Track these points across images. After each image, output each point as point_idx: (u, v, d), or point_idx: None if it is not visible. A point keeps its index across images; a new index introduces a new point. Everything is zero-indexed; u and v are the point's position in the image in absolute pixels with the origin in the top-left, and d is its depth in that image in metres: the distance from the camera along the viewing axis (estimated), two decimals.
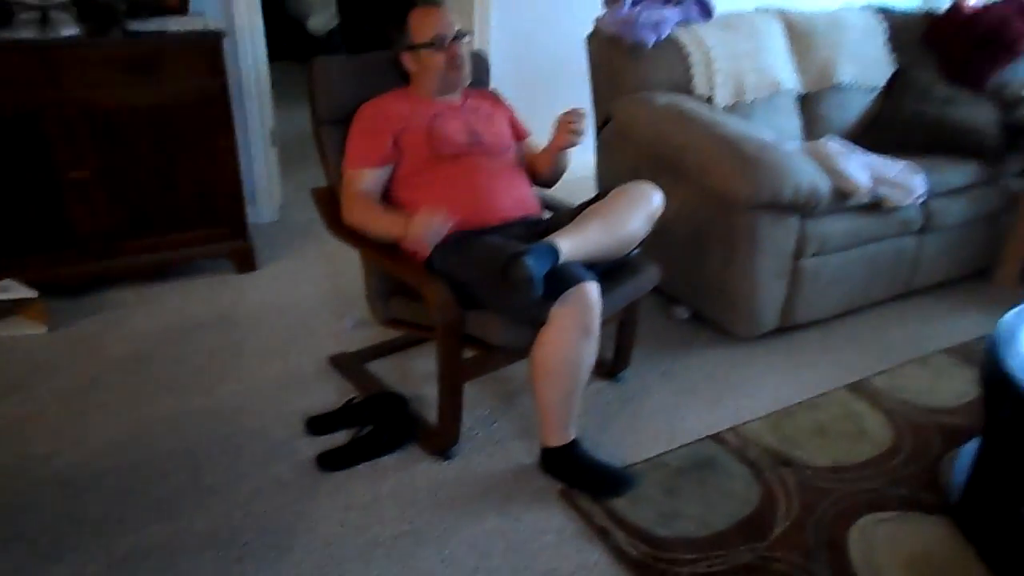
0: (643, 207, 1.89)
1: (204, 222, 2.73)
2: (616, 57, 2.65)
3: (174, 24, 2.52)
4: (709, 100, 2.70)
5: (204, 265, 2.84)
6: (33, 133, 2.37)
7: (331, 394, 2.19)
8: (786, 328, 2.55)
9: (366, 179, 1.99)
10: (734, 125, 2.38)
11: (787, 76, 2.88)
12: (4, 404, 2.09)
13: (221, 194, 2.71)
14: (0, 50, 2.26)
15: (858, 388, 2.32)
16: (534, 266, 1.61)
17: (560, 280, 1.69)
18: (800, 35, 2.96)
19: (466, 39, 2.08)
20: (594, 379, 2.28)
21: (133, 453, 1.93)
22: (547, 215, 2.14)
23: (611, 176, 2.77)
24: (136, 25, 2.46)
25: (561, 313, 1.69)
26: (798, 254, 2.39)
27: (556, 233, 1.78)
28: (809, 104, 2.96)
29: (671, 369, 2.40)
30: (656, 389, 2.29)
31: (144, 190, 2.59)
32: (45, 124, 2.37)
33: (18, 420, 2.03)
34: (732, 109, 2.74)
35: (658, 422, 2.15)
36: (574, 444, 1.87)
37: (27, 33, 2.31)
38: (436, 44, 2.03)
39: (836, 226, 2.44)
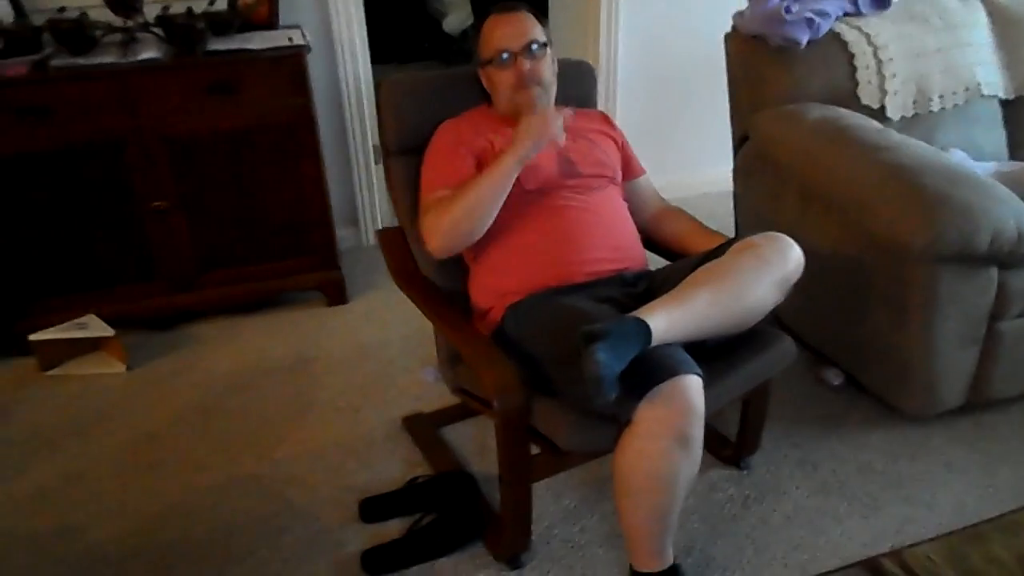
0: (774, 270, 1.43)
1: (291, 252, 2.53)
2: (759, 61, 2.16)
3: (258, 40, 2.32)
4: (880, 112, 2.14)
5: (294, 297, 2.65)
6: (114, 162, 2.25)
7: (396, 466, 1.90)
8: (976, 406, 1.96)
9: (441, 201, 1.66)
10: (910, 148, 1.83)
11: (989, 76, 2.25)
12: (60, 454, 1.98)
13: (308, 222, 2.50)
14: (80, 77, 2.15)
15: None
16: (606, 361, 1.20)
17: (650, 370, 1.28)
18: (1010, 21, 2.31)
19: (539, 50, 1.70)
20: (710, 466, 1.84)
21: (170, 530, 1.73)
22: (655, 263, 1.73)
23: (748, 208, 2.29)
24: (219, 43, 2.29)
25: (649, 416, 1.27)
26: (996, 315, 1.81)
27: (653, 304, 1.36)
28: (1019, 112, 2.31)
29: (814, 456, 1.90)
30: (792, 484, 1.81)
31: (226, 219, 2.43)
32: (126, 153, 2.25)
33: (68, 478, 1.90)
34: (910, 123, 2.17)
35: (792, 534, 1.67)
36: (673, 571, 1.45)
37: (107, 57, 2.19)
38: (497, 61, 1.68)
39: None
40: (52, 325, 2.33)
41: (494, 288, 1.63)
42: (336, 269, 2.60)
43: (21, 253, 2.31)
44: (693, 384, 1.28)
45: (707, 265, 1.44)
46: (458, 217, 1.55)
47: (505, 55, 1.69)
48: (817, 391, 2.13)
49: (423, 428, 2.01)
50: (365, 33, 2.79)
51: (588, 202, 1.64)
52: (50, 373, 2.29)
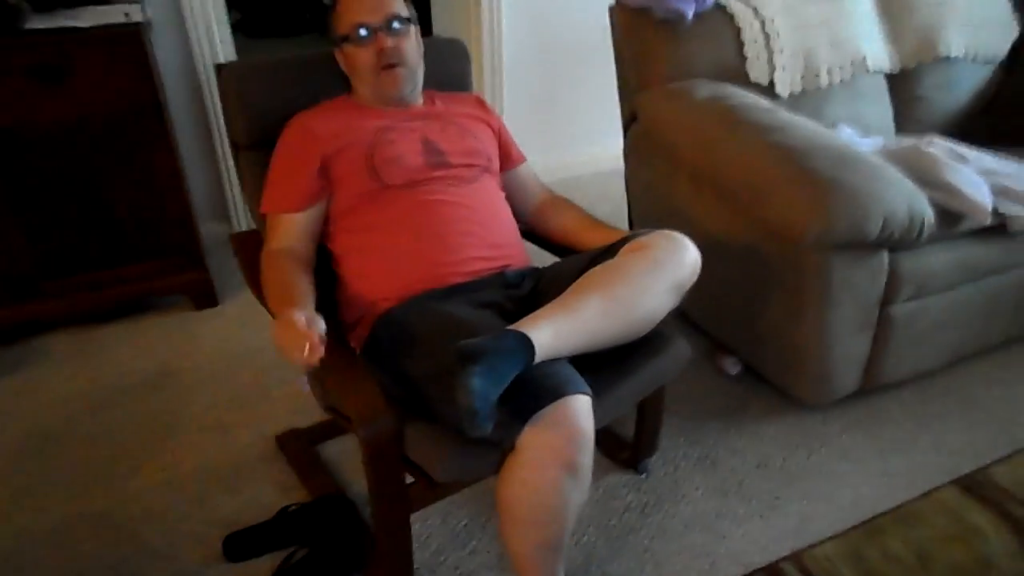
0: (668, 275, 1.31)
1: (148, 253, 2.27)
2: (645, 35, 2.03)
3: (88, 16, 2.03)
4: (769, 88, 2.07)
5: (156, 302, 2.40)
6: None
7: (268, 493, 1.71)
8: (869, 390, 1.94)
9: (285, 228, 1.48)
10: (799, 128, 1.76)
11: (875, 50, 2.21)
12: None
13: (166, 218, 2.24)
14: None
15: (973, 486, 1.71)
16: (482, 389, 1.06)
17: (533, 391, 1.15)
18: None
19: (402, 26, 1.52)
20: (606, 471, 1.74)
21: None
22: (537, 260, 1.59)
23: (640, 191, 2.19)
24: (41, 21, 1.99)
25: (534, 443, 1.14)
26: (887, 300, 1.77)
27: (536, 315, 1.22)
28: (904, 85, 2.29)
29: (713, 453, 1.83)
30: (691, 486, 1.73)
31: (67, 219, 2.15)
32: None
33: None
34: (799, 99, 2.11)
35: (692, 541, 1.59)
36: None
37: None
38: (354, 38, 1.50)
39: (940, 259, 1.80)
40: None
41: (361, 296, 1.46)
42: (202, 269, 2.36)
43: None
44: (581, 406, 1.15)
45: (596, 269, 1.31)
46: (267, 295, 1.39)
47: (363, 30, 1.50)
48: (716, 382, 2.06)
49: (299, 446, 1.83)
50: (223, 6, 2.52)
51: (460, 195, 1.48)
52: None
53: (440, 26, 3.13)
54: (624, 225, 2.17)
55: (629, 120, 2.17)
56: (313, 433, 1.86)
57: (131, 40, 2.00)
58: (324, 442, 1.85)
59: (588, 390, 1.18)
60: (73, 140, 2.06)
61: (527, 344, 1.15)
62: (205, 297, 2.39)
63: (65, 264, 2.20)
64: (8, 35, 1.93)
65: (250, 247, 1.58)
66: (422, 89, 1.64)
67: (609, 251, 1.37)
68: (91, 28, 1.97)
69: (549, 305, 1.23)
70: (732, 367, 2.07)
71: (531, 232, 1.70)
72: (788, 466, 1.79)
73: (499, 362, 1.11)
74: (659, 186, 2.06)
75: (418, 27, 1.61)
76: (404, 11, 1.54)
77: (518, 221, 1.65)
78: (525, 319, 1.20)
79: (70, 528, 1.63)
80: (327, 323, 1.22)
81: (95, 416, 1.96)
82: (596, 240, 1.53)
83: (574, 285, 1.28)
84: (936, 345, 1.95)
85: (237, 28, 5.48)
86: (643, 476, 1.75)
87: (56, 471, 1.78)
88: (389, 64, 1.51)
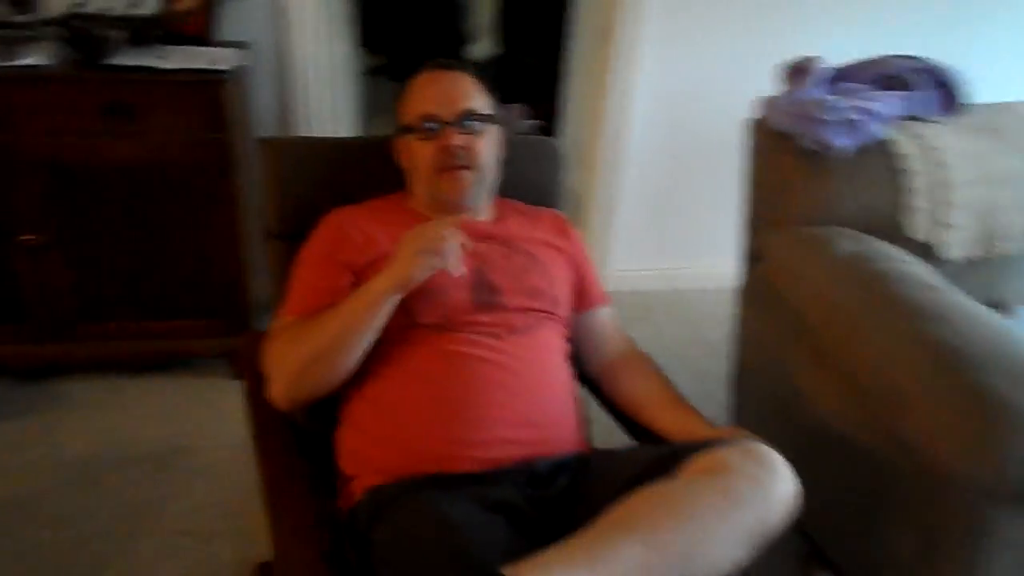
0: (748, 516, 0.92)
1: (194, 311, 2.09)
2: (785, 164, 1.67)
3: (179, 57, 1.90)
4: (928, 249, 1.65)
5: (197, 362, 2.21)
6: None
7: None
8: None
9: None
10: (968, 318, 1.33)
11: None
12: None
13: (217, 280, 2.06)
14: None
15: None
16: None
17: None
18: None
19: (478, 124, 1.26)
20: None
21: None
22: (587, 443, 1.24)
23: (749, 341, 1.80)
24: (131, 56, 1.87)
25: None
26: None
27: (547, 557, 0.87)
28: None
29: None
30: None
31: (115, 264, 2.00)
32: None
33: None
34: (969, 267, 1.68)
35: None
36: None
37: None
38: (418, 129, 1.24)
39: None
40: None
41: (357, 453, 1.16)
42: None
43: None
44: None
45: (647, 493, 0.94)
46: (307, 360, 1.11)
47: (430, 123, 1.24)
48: None
49: None
50: (340, 55, 2.38)
51: (505, 350, 1.16)
52: None
53: (565, 124, 2.91)
54: (719, 371, 1.81)
55: (751, 257, 1.80)
56: None
57: (209, 90, 1.85)
58: None
59: None
60: (135, 184, 1.92)
61: None
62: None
63: (107, 309, 2.05)
64: (90, 69, 1.82)
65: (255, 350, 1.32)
66: (495, 197, 1.36)
67: (673, 457, 1.00)
68: (172, 70, 1.83)
69: (570, 542, 0.88)
70: None
71: (597, 388, 1.36)
72: None
73: None
74: (772, 346, 1.68)
75: (504, 128, 1.34)
76: (484, 108, 1.28)
77: (583, 369, 1.32)
78: (528, 561, 0.85)
79: None
80: (319, 468, 1.07)
81: (79, 490, 1.76)
82: (669, 426, 1.19)
83: (612, 514, 0.92)
84: None
85: (381, 72, 5.60)
86: None
87: (10, 552, 1.57)
88: (453, 165, 1.24)
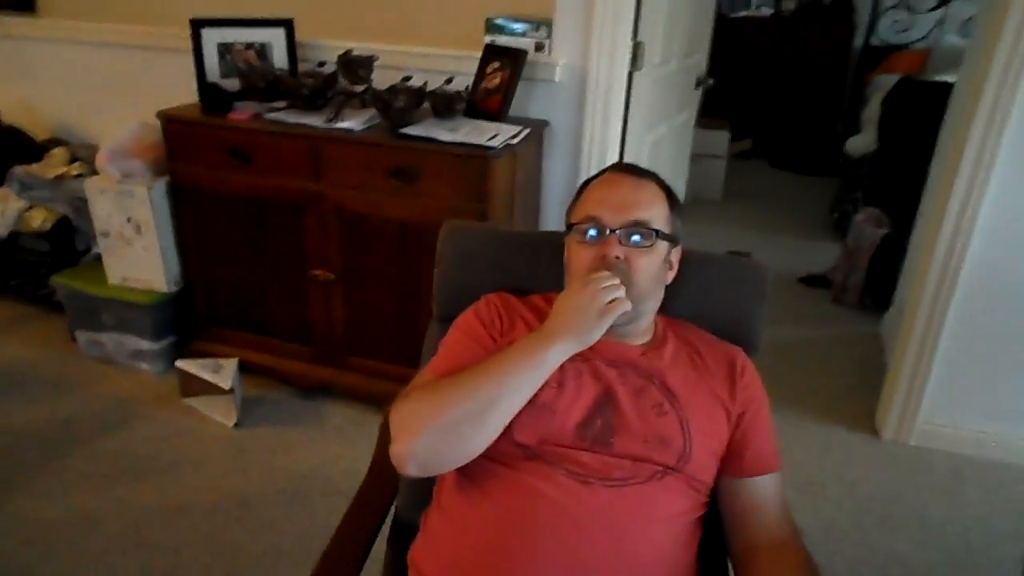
0: None
1: None
2: None
3: (468, 130, 2.05)
4: None
5: None
6: (294, 222, 2.19)
7: None
8: None
9: None
10: None
11: None
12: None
13: None
14: (281, 134, 2.10)
15: None
16: None
17: None
18: None
19: (644, 240, 1.10)
20: None
21: None
22: None
23: None
24: (421, 128, 2.06)
25: None
26: None
27: None
28: None
29: None
30: None
31: (382, 307, 2.21)
32: (305, 217, 2.17)
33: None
34: None
35: None
36: None
37: (314, 120, 2.12)
38: (579, 230, 1.13)
39: None
40: (216, 354, 2.38)
41: (415, 559, 1.08)
42: None
43: (211, 279, 2.39)
44: None
45: None
46: (445, 417, 0.98)
47: (593, 229, 1.12)
48: None
49: None
50: (621, 142, 2.35)
51: (586, 500, 0.99)
52: (186, 401, 2.32)
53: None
54: None
55: None
56: None
57: (475, 164, 1.94)
58: None
59: None
60: (405, 240, 2.10)
61: None
62: None
63: (366, 345, 2.27)
64: (390, 135, 2.04)
65: None
66: (664, 319, 1.19)
67: None
68: (450, 143, 1.97)
69: None
70: None
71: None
72: None
73: None
74: None
75: (677, 248, 1.17)
76: (658, 223, 1.11)
77: (727, 543, 1.08)
78: None
79: None
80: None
81: (224, 518, 1.92)
82: None
83: None
84: None
85: (754, 154, 5.50)
86: None
87: (211, 544, 1.80)
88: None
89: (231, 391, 2.20)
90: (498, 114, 2.19)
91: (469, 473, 1.06)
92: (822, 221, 4.32)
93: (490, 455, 1.04)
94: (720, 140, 4.70)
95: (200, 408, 2.29)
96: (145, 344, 2.45)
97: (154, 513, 1.90)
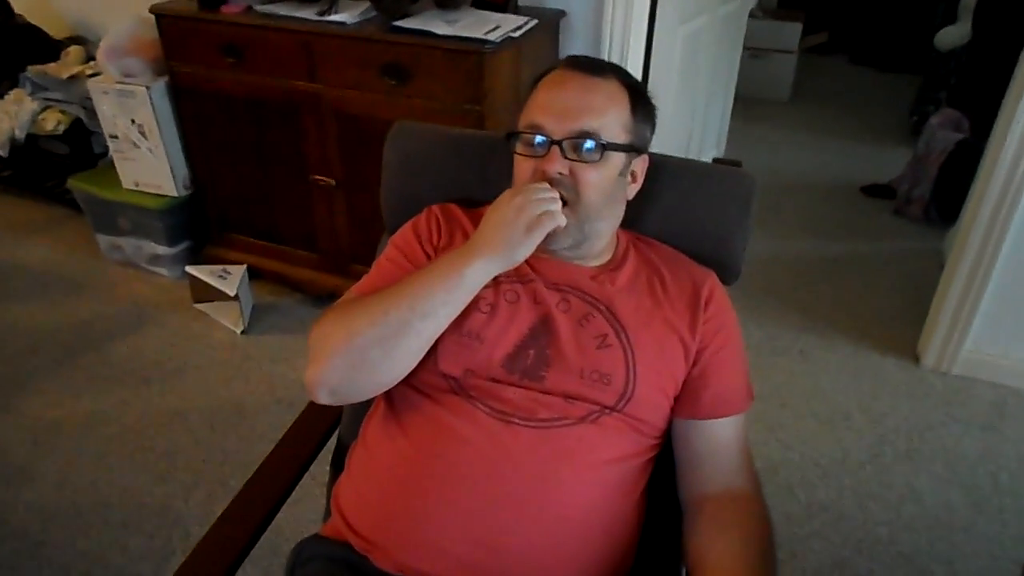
0: None
1: None
2: None
3: (468, 22, 1.87)
4: None
5: None
6: (293, 124, 2.09)
7: None
8: None
9: None
10: None
11: None
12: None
13: None
14: (271, 28, 1.97)
15: None
16: None
17: None
18: None
19: (591, 152, 0.93)
20: None
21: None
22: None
23: None
24: (419, 21, 1.90)
25: None
26: None
27: None
28: None
29: None
30: None
31: (378, 214, 2.11)
32: (302, 118, 2.06)
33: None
34: None
35: None
36: None
37: (307, 12, 1.98)
38: (522, 139, 0.98)
39: None
40: (229, 260, 2.36)
41: (336, 494, 1.02)
42: None
43: (218, 184, 2.34)
44: None
45: None
46: (356, 340, 0.88)
47: (538, 137, 0.97)
48: None
49: None
50: (648, 35, 2.12)
51: (505, 442, 0.88)
52: (197, 306, 2.32)
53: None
54: None
55: None
56: None
57: (469, 60, 1.78)
58: None
59: None
60: None
61: None
62: None
63: (368, 253, 2.19)
64: (382, 29, 1.89)
65: None
66: (631, 235, 1.06)
67: None
68: (444, 37, 1.81)
69: None
70: None
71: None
72: None
73: None
74: None
75: (642, 158, 1.01)
76: (611, 132, 0.94)
77: (679, 490, 0.98)
78: None
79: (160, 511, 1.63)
80: None
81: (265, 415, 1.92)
82: None
83: None
84: None
85: (831, 49, 5.02)
86: None
87: (209, 449, 1.81)
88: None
89: (236, 298, 2.18)
90: (507, 4, 1.99)
91: (394, 404, 0.97)
92: (900, 125, 3.93)
93: (416, 385, 0.95)
94: (791, 33, 4.28)
95: (210, 313, 2.29)
96: (161, 249, 2.45)
97: (153, 417, 1.92)
